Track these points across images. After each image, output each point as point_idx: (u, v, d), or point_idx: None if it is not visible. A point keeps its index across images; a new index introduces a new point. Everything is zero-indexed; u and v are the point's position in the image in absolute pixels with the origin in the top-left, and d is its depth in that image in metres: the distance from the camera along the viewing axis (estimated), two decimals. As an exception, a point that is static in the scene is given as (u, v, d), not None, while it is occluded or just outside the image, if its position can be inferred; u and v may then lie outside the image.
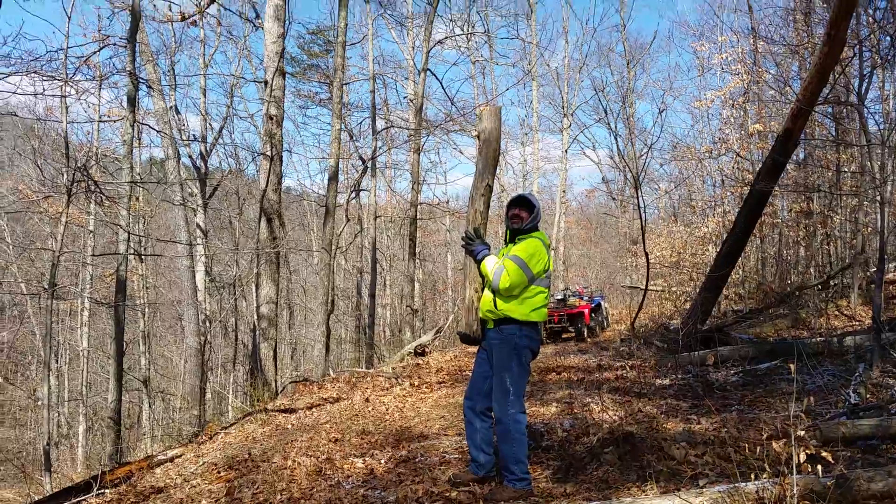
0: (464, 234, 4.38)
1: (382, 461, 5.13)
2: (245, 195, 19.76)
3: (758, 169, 11.59)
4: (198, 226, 16.81)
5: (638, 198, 11.53)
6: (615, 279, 27.49)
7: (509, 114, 78.96)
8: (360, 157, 19.05)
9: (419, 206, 18.08)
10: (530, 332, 4.18)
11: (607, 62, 40.38)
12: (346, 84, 17.40)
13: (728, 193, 17.14)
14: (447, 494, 4.20)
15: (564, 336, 15.13)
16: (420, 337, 14.09)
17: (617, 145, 33.43)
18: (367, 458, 5.24)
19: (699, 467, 4.26)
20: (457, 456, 5.11)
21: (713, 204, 18.24)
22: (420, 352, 12.28)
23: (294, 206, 29.33)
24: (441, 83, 43.36)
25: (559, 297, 15.35)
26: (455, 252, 32.29)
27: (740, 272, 15.28)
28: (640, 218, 11.49)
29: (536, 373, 9.24)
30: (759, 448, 4.43)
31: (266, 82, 9.07)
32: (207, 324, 17.99)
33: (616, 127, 32.17)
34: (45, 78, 6.23)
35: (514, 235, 4.32)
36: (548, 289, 4.26)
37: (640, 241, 23.34)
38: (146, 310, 19.43)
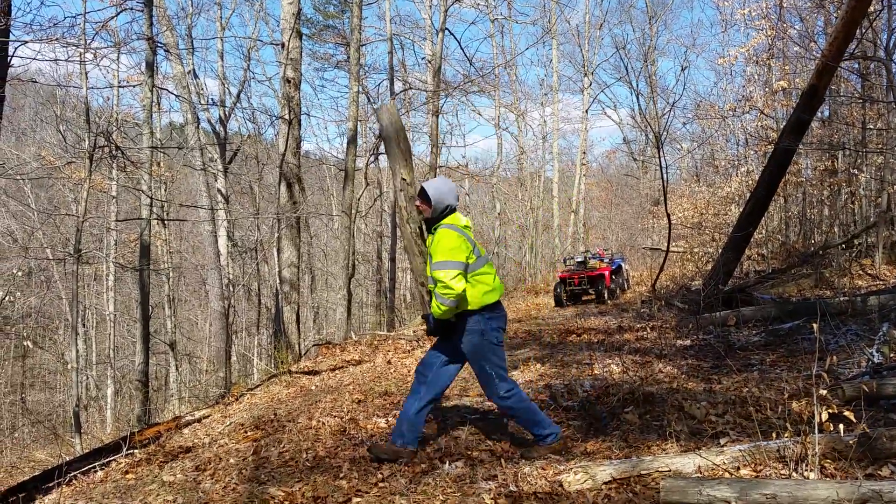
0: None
1: (405, 421, 5.20)
2: (265, 160, 19.81)
3: (782, 127, 11.39)
4: (218, 191, 16.90)
5: (660, 157, 11.41)
6: (636, 241, 27.34)
7: (528, 73, 77.79)
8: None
9: (438, 170, 18.02)
10: (490, 313, 4.14)
11: (629, 18, 39.69)
12: (362, 45, 17.24)
13: (751, 152, 16.89)
14: (468, 453, 4.27)
15: (585, 298, 15.13)
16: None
17: (638, 104, 32.99)
18: (389, 418, 5.32)
19: (720, 426, 4.28)
20: (477, 416, 5.17)
21: (736, 163, 17.99)
22: (441, 314, 12.33)
23: (313, 170, 29.35)
24: (459, 43, 42.73)
25: (579, 260, 15.31)
26: (474, 215, 32.25)
27: (763, 232, 15.12)
28: (662, 178, 11.38)
29: (556, 335, 9.28)
30: (780, 407, 4.44)
31: (283, 44, 9.01)
32: (231, 288, 18.22)
33: (637, 85, 31.65)
34: (64, 45, 6.23)
35: (428, 226, 4.28)
36: (488, 264, 4.23)
37: (661, 202, 23.14)
38: (170, 274, 19.70)
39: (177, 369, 17.78)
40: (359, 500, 3.71)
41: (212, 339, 18.94)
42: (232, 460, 4.78)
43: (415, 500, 3.65)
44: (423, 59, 18.79)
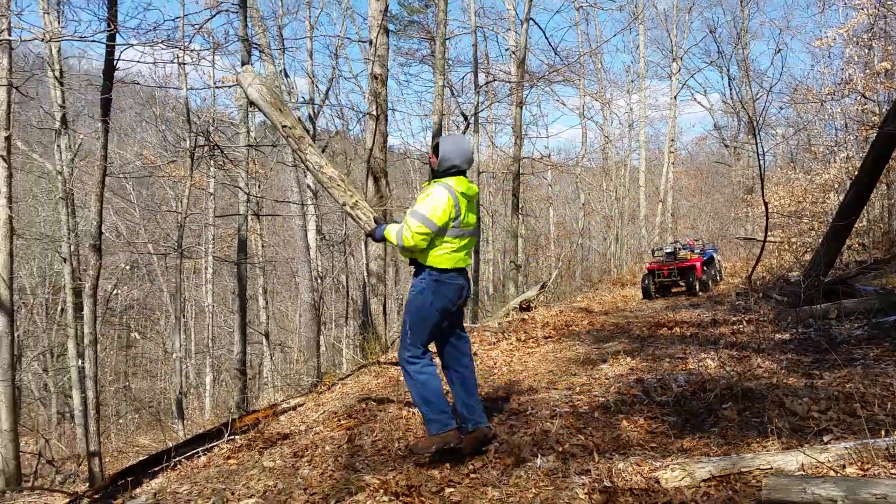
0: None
1: (494, 413, 5.23)
2: (352, 155, 20.22)
3: (885, 110, 10.72)
4: (308, 186, 17.39)
5: (757, 144, 10.95)
6: (727, 230, 26.38)
7: (614, 61, 76.28)
8: (462, 113, 19.00)
9: (521, 161, 17.92)
10: (440, 276, 4.14)
11: (719, 1, 38.20)
12: (447, 39, 17.31)
13: (851, 137, 16.02)
14: (559, 447, 4.25)
15: (674, 290, 14.73)
16: (524, 292, 14.10)
17: (731, 89, 31.69)
18: (478, 410, 5.36)
19: (823, 423, 4.09)
20: (567, 409, 5.14)
21: (835, 149, 17.08)
22: (525, 307, 12.29)
23: (398, 164, 29.76)
24: (544, 32, 42.24)
25: (668, 251, 14.91)
26: (557, 206, 31.90)
27: (865, 220, 14.32)
28: (760, 165, 10.93)
29: (646, 328, 9.09)
30: (889, 404, 4.21)
31: (370, 41, 9.16)
32: (319, 280, 18.73)
33: (729, 70, 30.44)
34: (168, 47, 6.57)
35: (431, 178, 4.40)
36: (466, 238, 4.22)
37: (756, 190, 22.22)
38: (265, 267, 20.44)
39: (271, 358, 18.45)
40: (451, 490, 3.76)
41: (302, 330, 19.55)
42: (328, 447, 4.93)
43: (507, 492, 3.67)
44: (506, 50, 18.70)
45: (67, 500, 7.42)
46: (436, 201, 4.02)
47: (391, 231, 4.25)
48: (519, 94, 17.09)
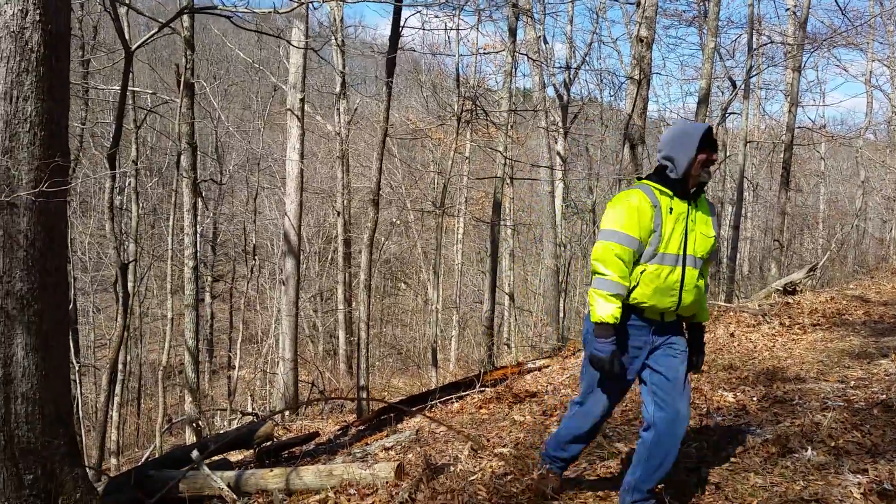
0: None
1: (755, 398, 4.94)
2: (607, 121, 19.90)
3: None
4: (557, 153, 17.45)
5: None
6: None
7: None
8: (729, 78, 17.73)
9: (795, 130, 16.31)
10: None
11: None
12: (720, -2, 16.15)
13: None
14: (831, 442, 3.91)
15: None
16: (789, 274, 12.94)
17: None
18: (737, 393, 5.10)
19: None
20: (840, 403, 4.68)
21: None
22: (790, 290, 11.28)
23: (653, 131, 28.72)
24: (830, -11, 37.59)
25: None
26: (829, 184, 28.72)
27: None
28: None
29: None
30: None
31: (638, 2, 8.86)
32: (563, 247, 18.83)
33: None
34: (448, 14, 6.98)
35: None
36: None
37: None
38: (516, 230, 21.07)
39: (516, 319, 19.05)
40: (709, 470, 3.66)
41: (543, 295, 19.87)
42: (576, 410, 5.01)
43: (771, 480, 3.49)
44: (785, 10, 16.96)
45: (338, 427, 8.39)
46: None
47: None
48: (797, 57, 15.50)
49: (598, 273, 3.01)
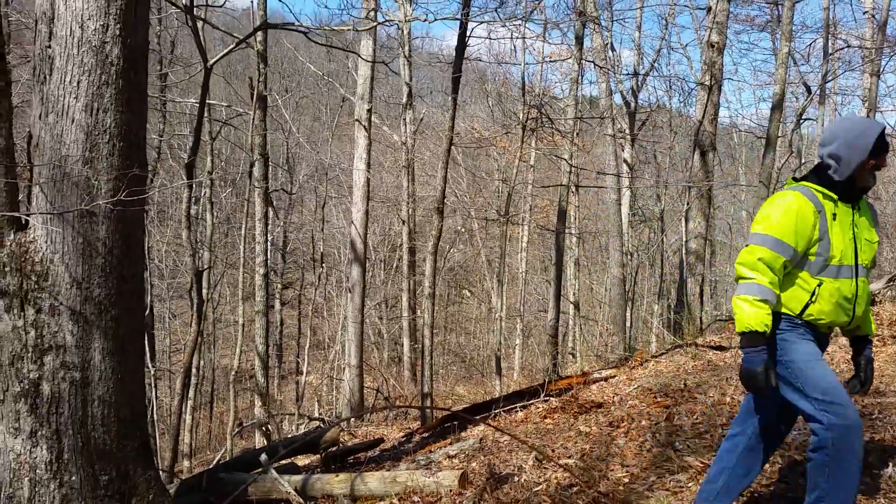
0: None
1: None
2: (676, 128, 19.52)
3: None
4: (624, 160, 17.21)
5: None
6: None
7: None
8: (804, 83, 17.15)
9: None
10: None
11: None
12: (796, 2, 15.66)
13: None
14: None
15: None
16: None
17: None
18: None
19: None
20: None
21: None
22: (869, 301, 10.80)
23: (724, 138, 28.08)
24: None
25: None
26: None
27: None
28: None
29: None
30: None
31: (708, 8, 8.71)
32: (629, 256, 18.52)
33: None
34: (513, 24, 7.02)
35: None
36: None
37: None
38: (581, 238, 20.85)
39: (581, 329, 18.82)
40: (783, 485, 3.53)
41: (610, 304, 19.57)
42: (643, 422, 4.92)
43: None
44: (864, 13, 16.31)
45: (402, 433, 8.45)
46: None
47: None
48: (876, 62, 14.91)
49: (743, 277, 2.74)
